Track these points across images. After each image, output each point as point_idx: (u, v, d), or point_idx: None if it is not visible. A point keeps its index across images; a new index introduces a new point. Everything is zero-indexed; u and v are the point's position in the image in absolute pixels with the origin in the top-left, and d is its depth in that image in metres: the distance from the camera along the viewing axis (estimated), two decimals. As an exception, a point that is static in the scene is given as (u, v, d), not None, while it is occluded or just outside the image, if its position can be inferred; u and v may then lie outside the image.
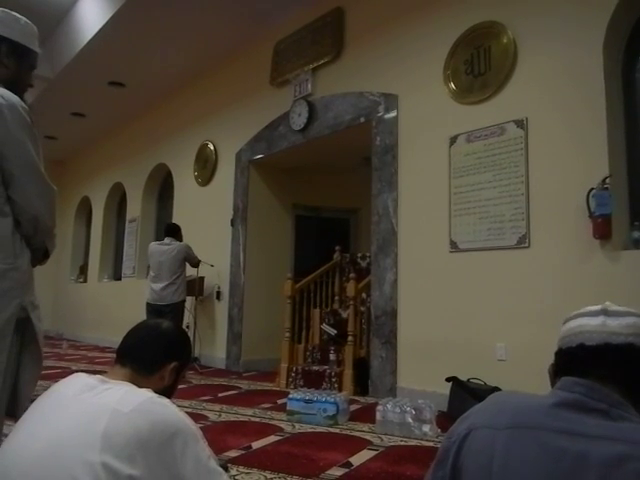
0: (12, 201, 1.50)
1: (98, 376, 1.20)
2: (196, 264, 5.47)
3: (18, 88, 1.61)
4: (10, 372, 1.50)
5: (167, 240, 5.17)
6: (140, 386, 1.19)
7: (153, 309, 4.99)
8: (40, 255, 1.63)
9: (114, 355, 1.32)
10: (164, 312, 4.96)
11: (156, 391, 1.19)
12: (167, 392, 1.28)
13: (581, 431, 0.75)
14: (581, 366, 0.86)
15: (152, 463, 1.06)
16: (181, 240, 5.29)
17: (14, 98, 1.51)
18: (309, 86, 5.16)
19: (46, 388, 3.54)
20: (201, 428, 2.93)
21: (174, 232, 5.28)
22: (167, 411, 1.13)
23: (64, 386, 1.19)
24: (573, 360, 0.87)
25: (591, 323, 0.88)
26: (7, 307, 1.45)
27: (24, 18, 1.65)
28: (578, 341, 0.87)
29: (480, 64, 3.81)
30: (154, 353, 1.29)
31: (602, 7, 3.18)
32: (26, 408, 1.23)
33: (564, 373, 0.88)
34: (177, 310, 5.07)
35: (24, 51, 1.63)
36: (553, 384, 0.91)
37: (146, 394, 1.14)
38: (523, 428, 0.79)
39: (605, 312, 0.88)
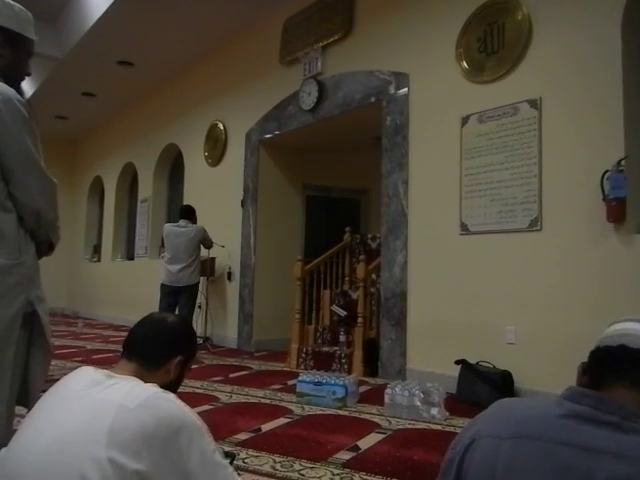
0: (13, 197, 1.49)
1: (105, 371, 1.21)
2: (210, 246, 5.51)
3: (15, 77, 1.59)
4: (19, 364, 1.52)
5: (183, 222, 5.18)
6: (146, 380, 1.20)
7: (169, 290, 5.03)
8: (45, 247, 1.64)
9: (128, 334, 1.33)
10: (180, 293, 5.01)
11: (162, 385, 1.20)
12: (172, 386, 1.28)
13: (589, 445, 0.73)
14: (615, 367, 0.84)
15: (158, 458, 1.07)
16: (196, 222, 5.30)
17: (10, 92, 1.49)
18: (319, 65, 5.07)
19: (62, 368, 3.60)
20: (212, 410, 3.00)
21: (190, 214, 5.29)
22: (172, 406, 1.14)
23: (71, 380, 1.20)
24: (609, 359, 0.85)
25: (638, 328, 0.85)
26: (14, 302, 1.47)
27: (18, 5, 1.61)
28: (620, 342, 0.85)
29: (493, 42, 3.70)
30: (160, 347, 1.30)
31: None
32: (37, 399, 1.25)
33: (594, 372, 0.86)
34: (192, 291, 5.12)
35: (19, 39, 1.59)
36: (579, 383, 0.89)
37: (151, 389, 1.15)
38: (528, 438, 0.77)
39: None
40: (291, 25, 5.46)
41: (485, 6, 3.74)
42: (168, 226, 5.27)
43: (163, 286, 5.09)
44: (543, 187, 3.35)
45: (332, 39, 4.94)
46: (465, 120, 3.80)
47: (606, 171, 3.00)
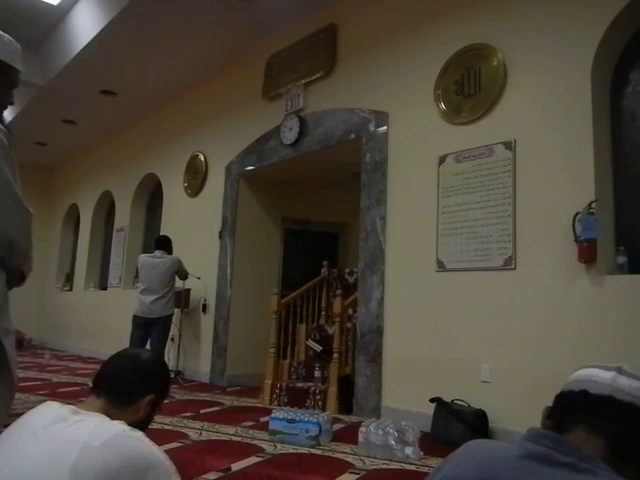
0: None
1: (70, 406, 1.17)
2: (185, 277, 5.44)
3: None
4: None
5: (158, 253, 5.12)
6: (114, 418, 1.16)
7: (142, 322, 4.93)
8: (16, 278, 1.60)
9: (97, 367, 1.29)
10: (152, 325, 4.91)
11: (130, 424, 1.16)
12: (141, 425, 1.24)
13: None
14: (576, 411, 0.85)
15: (122, 500, 1.03)
16: (171, 253, 5.25)
17: None
18: (301, 101, 5.17)
19: (24, 401, 3.45)
20: (181, 448, 2.90)
21: (165, 245, 5.24)
22: (140, 445, 1.10)
23: (35, 416, 1.16)
24: (571, 404, 0.87)
25: (601, 375, 0.87)
26: None
27: (7, 36, 1.62)
28: (582, 387, 0.87)
29: (470, 85, 3.84)
30: (131, 384, 1.26)
31: (591, 35, 3.22)
32: None
33: (557, 416, 0.88)
34: (165, 323, 5.02)
35: (5, 69, 1.60)
36: (543, 426, 0.91)
37: (118, 427, 1.11)
38: None
39: (619, 370, 0.88)
40: (275, 61, 5.58)
41: (462, 51, 3.89)
42: (143, 257, 5.21)
43: (135, 317, 4.98)
44: (517, 227, 3.43)
45: (314, 77, 5.06)
46: (442, 159, 3.90)
47: (577, 213, 3.09)
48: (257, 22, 5.33)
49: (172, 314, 5.13)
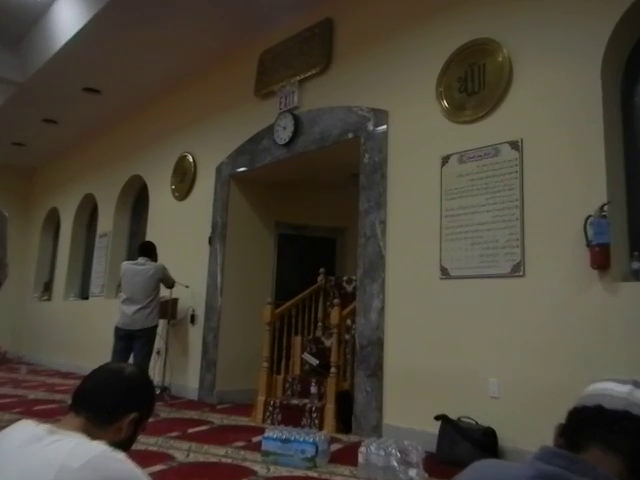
0: None
1: (47, 425, 1.15)
2: (171, 285, 5.40)
3: None
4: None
5: (141, 260, 5.08)
6: (94, 437, 1.14)
7: (123, 334, 4.88)
8: (-10, 284, 1.58)
9: (76, 382, 1.27)
10: (135, 338, 4.87)
11: (111, 444, 1.14)
12: (123, 446, 1.21)
13: None
14: (591, 428, 0.84)
15: (101, 527, 1.01)
16: (156, 260, 5.22)
17: None
18: (295, 99, 5.17)
19: (-1, 420, 3.36)
20: (166, 471, 2.87)
21: (149, 251, 5.20)
22: (122, 467, 1.08)
23: (8, 436, 1.13)
24: (585, 420, 0.86)
25: (617, 389, 0.86)
26: None
27: None
28: (597, 402, 0.86)
29: (474, 82, 3.84)
30: (113, 400, 1.24)
31: (600, 30, 3.23)
32: None
33: (570, 434, 0.87)
34: (149, 335, 4.97)
35: None
36: (555, 444, 0.90)
37: (99, 447, 1.09)
38: None
39: (635, 383, 0.86)
40: (268, 57, 5.59)
41: (466, 46, 3.90)
42: (126, 264, 5.17)
43: (117, 329, 4.92)
44: (525, 231, 3.42)
45: (310, 73, 5.06)
46: (445, 160, 3.90)
47: (589, 216, 3.09)
48: (249, 17, 5.34)
49: (156, 325, 5.08)
